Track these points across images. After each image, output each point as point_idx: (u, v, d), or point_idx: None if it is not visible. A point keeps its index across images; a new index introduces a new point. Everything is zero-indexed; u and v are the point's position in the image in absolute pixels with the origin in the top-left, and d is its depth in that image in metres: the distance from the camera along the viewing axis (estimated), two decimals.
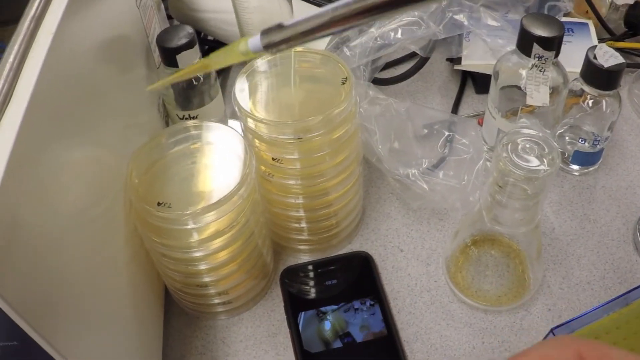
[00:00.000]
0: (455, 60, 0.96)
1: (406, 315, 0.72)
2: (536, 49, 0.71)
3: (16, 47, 0.61)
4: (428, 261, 0.77)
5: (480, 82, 0.96)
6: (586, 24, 0.99)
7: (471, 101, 0.97)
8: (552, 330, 0.62)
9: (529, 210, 0.63)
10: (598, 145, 0.82)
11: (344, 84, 0.65)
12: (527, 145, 0.59)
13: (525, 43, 0.72)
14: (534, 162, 0.58)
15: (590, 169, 0.86)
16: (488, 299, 0.72)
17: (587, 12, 1.01)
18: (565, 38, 0.87)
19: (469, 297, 0.72)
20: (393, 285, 0.75)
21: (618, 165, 0.88)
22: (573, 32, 0.97)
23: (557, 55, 0.73)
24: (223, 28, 0.98)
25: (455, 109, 0.95)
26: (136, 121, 0.77)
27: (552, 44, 0.71)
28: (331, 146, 0.65)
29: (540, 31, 0.71)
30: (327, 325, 0.70)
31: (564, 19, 0.97)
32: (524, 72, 0.75)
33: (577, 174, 0.86)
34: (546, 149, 0.59)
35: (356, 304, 0.71)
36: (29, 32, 0.61)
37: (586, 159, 0.84)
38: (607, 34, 1.02)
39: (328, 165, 0.66)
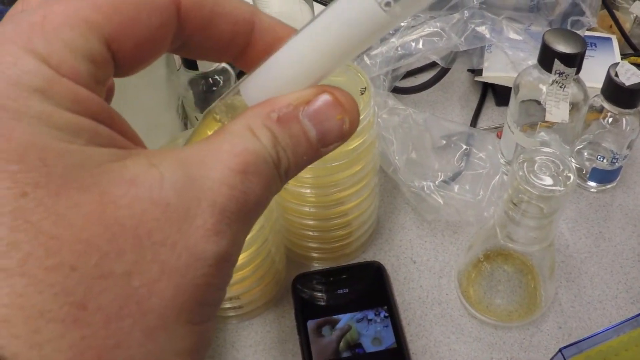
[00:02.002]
0: (476, 72, 0.95)
1: (416, 327, 0.72)
2: (557, 65, 0.71)
3: None
4: (440, 274, 0.77)
5: (500, 94, 0.95)
6: (610, 39, 0.98)
7: (491, 113, 0.97)
8: (560, 350, 0.61)
9: (544, 228, 0.63)
10: (616, 163, 0.82)
11: (362, 94, 0.65)
12: (544, 164, 0.59)
13: (547, 58, 0.72)
14: (550, 181, 0.58)
15: (608, 186, 0.86)
16: (499, 315, 0.72)
17: (610, 26, 1.01)
18: (587, 52, 0.87)
19: (480, 312, 0.72)
20: (404, 296, 0.75)
21: (636, 184, 0.87)
22: (596, 46, 0.96)
23: (578, 72, 0.72)
24: None
25: (474, 121, 0.95)
26: (156, 122, 0.77)
27: (574, 61, 0.71)
28: (347, 156, 0.65)
29: (562, 47, 0.70)
30: (338, 335, 0.70)
31: (587, 33, 0.96)
32: (544, 88, 0.74)
33: (594, 191, 0.86)
34: (562, 168, 0.59)
35: (370, 314, 0.71)
36: None
37: (604, 177, 0.84)
38: (631, 49, 1.01)
39: (343, 175, 0.66)
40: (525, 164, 0.59)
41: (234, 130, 0.26)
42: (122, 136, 0.25)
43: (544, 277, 0.72)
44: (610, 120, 0.79)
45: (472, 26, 0.84)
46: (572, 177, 0.58)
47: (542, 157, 0.60)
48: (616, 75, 0.75)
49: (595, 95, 0.79)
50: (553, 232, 0.65)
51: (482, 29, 0.85)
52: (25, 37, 0.23)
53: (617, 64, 0.75)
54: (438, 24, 0.83)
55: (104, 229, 0.21)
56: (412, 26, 0.84)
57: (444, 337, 0.72)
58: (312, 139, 0.27)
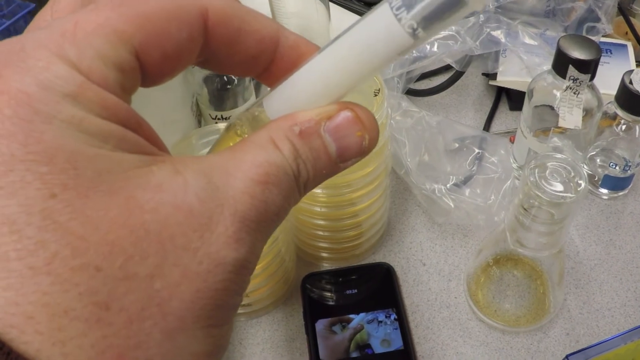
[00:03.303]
0: (490, 76, 0.95)
1: (424, 330, 0.73)
2: (571, 71, 0.71)
3: None
4: (450, 277, 0.77)
5: (514, 98, 0.95)
6: (625, 46, 0.98)
7: (504, 117, 0.97)
8: (567, 357, 0.61)
9: (554, 234, 0.63)
10: (629, 171, 0.82)
11: (376, 95, 0.66)
12: (556, 170, 0.59)
13: (561, 64, 0.72)
14: (561, 187, 0.58)
15: (620, 193, 0.85)
16: (507, 319, 0.72)
17: (626, 33, 1.00)
18: (603, 59, 0.87)
19: (488, 316, 0.72)
20: (413, 298, 0.75)
21: None
22: (611, 53, 0.96)
23: (592, 78, 0.72)
24: None
25: (488, 125, 0.95)
26: (170, 118, 0.78)
27: (588, 67, 0.71)
28: None
29: (576, 53, 0.70)
30: (351, 334, 0.70)
31: (602, 39, 0.96)
32: (558, 93, 0.74)
33: (605, 197, 0.86)
34: (574, 175, 0.59)
35: (380, 316, 0.72)
36: None
37: (616, 184, 0.84)
38: None
39: (355, 176, 0.67)
40: (536, 170, 0.59)
41: (257, 141, 0.27)
42: (148, 142, 0.25)
43: (553, 283, 0.72)
44: (624, 127, 0.79)
45: (488, 30, 0.85)
46: (583, 183, 0.58)
47: (554, 163, 0.60)
48: (630, 82, 0.74)
49: (609, 102, 0.79)
50: (563, 238, 0.65)
51: (498, 33, 0.85)
52: (58, 43, 0.23)
53: (631, 71, 0.75)
54: (453, 27, 0.83)
55: (129, 232, 0.22)
56: None
57: (451, 341, 0.72)
58: (331, 154, 0.28)
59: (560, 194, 0.57)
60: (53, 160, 0.22)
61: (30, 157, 0.21)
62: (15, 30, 0.86)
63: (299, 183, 0.27)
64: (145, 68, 0.26)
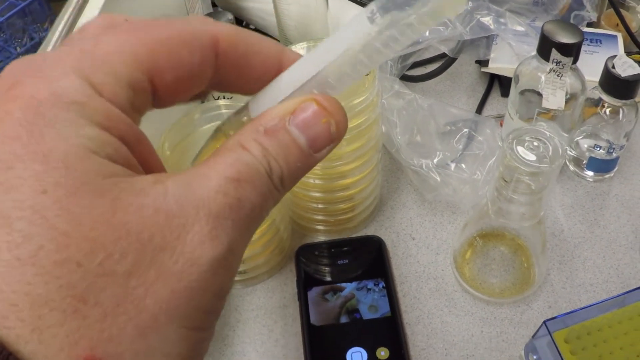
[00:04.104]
0: (483, 63, 0.99)
1: (411, 299, 0.76)
2: (554, 54, 0.74)
3: (65, 17, 0.66)
4: (437, 251, 0.81)
5: (506, 85, 0.99)
6: (615, 36, 1.01)
7: (496, 103, 1.00)
8: (544, 322, 0.64)
9: (533, 205, 0.66)
10: (613, 153, 0.85)
11: (367, 74, 0.69)
12: (534, 143, 0.62)
13: (545, 48, 0.75)
14: (538, 158, 0.61)
15: (605, 176, 0.88)
16: (491, 292, 0.75)
17: (617, 24, 1.03)
18: (592, 48, 0.90)
19: (473, 288, 0.75)
20: (402, 270, 0.79)
21: (633, 175, 0.90)
22: (601, 42, 0.99)
23: (575, 61, 0.75)
24: (263, 17, 1.03)
25: (479, 110, 0.98)
26: None
27: (571, 50, 0.74)
28: (350, 132, 0.68)
29: (559, 37, 0.73)
30: (342, 302, 0.74)
31: (593, 30, 0.99)
32: (543, 77, 0.77)
33: (591, 180, 0.89)
34: (551, 147, 0.62)
35: (369, 284, 0.75)
36: (78, 6, 0.66)
37: (601, 166, 0.87)
38: (636, 47, 1.04)
39: (346, 149, 0.70)
40: (514, 142, 0.62)
41: (229, 146, 0.28)
42: (143, 161, 0.28)
43: (537, 253, 0.75)
44: (608, 111, 0.82)
45: (478, 17, 0.88)
46: (559, 154, 0.61)
47: (532, 135, 0.63)
48: (613, 67, 0.78)
49: (594, 88, 0.82)
50: (542, 210, 0.68)
51: (487, 20, 0.88)
52: (76, 58, 0.26)
53: (614, 56, 0.78)
54: None
55: (111, 230, 0.24)
56: None
57: (437, 310, 0.75)
58: (302, 146, 0.29)
59: (537, 164, 0.61)
60: (48, 159, 0.24)
61: (29, 157, 0.24)
62: (30, 12, 0.89)
63: (273, 179, 0.28)
64: (158, 89, 0.28)
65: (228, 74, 0.31)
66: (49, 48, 0.64)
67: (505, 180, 0.64)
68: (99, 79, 0.26)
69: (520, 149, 0.62)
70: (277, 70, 0.32)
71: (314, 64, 0.30)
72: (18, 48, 0.86)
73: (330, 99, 0.30)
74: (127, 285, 0.24)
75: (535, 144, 0.62)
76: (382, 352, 0.70)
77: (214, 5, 1.08)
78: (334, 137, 0.30)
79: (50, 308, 0.22)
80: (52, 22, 0.89)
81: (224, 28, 0.30)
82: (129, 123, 0.27)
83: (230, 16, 0.82)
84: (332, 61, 0.29)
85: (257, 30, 1.08)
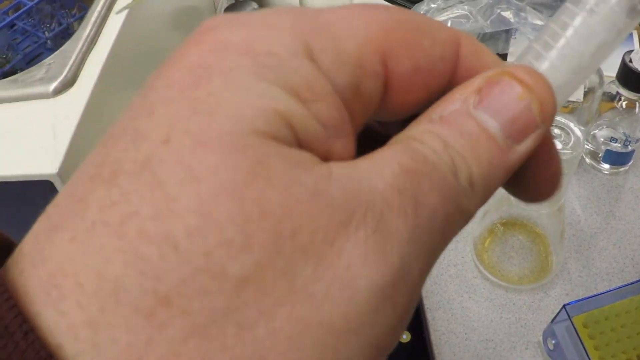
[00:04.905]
0: (502, 56, 1.00)
1: (432, 285, 0.78)
2: None
3: (99, 7, 0.68)
4: (457, 238, 0.82)
5: None
6: (630, 33, 1.02)
7: None
8: (564, 306, 0.66)
9: None
10: (629, 146, 0.86)
11: None
12: (555, 131, 0.64)
13: None
14: (559, 145, 0.63)
15: (621, 169, 0.90)
16: (510, 279, 0.77)
17: None
18: None
19: (493, 275, 0.77)
20: None
21: None
22: None
23: None
24: None
25: None
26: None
27: None
28: None
29: None
30: None
31: None
32: None
33: (607, 172, 0.90)
34: (572, 136, 0.64)
35: None
36: None
37: (617, 159, 0.89)
38: None
39: None
40: None
41: (396, 140, 0.21)
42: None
43: (555, 241, 0.77)
44: (624, 104, 0.83)
45: (498, 11, 0.90)
46: (580, 141, 0.63)
47: (554, 124, 0.65)
48: (630, 61, 0.79)
49: (611, 82, 0.84)
50: (562, 197, 0.70)
51: (507, 14, 0.90)
52: (293, 18, 0.21)
53: (631, 50, 0.80)
54: (466, 7, 0.88)
55: (237, 207, 0.17)
56: (443, 8, 0.89)
57: (457, 296, 0.77)
58: (495, 135, 0.21)
59: (559, 150, 0.62)
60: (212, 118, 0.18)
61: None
62: None
63: (459, 179, 0.20)
64: (392, 78, 0.21)
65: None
66: (86, 31, 0.65)
67: None
68: (319, 45, 0.20)
69: None
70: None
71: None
72: (46, 33, 0.88)
73: (530, 71, 0.22)
74: (235, 299, 0.16)
75: (557, 132, 0.64)
76: (404, 336, 0.72)
77: None
78: (536, 121, 0.21)
79: (118, 300, 0.16)
80: (80, 9, 0.91)
81: (466, 34, 0.23)
82: (336, 105, 0.20)
83: (255, 5, 0.83)
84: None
85: None
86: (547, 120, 0.22)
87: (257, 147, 0.17)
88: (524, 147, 0.21)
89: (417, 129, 0.21)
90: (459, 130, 0.21)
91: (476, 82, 0.22)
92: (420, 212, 0.19)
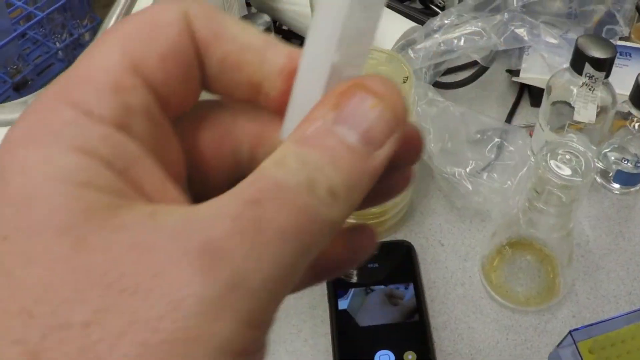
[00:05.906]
0: (514, 72, 1.00)
1: (439, 304, 0.77)
2: (587, 68, 0.75)
3: (113, 19, 0.68)
4: (466, 257, 0.82)
5: (536, 95, 1.00)
6: None
7: (525, 112, 1.01)
8: (570, 332, 0.66)
9: (563, 217, 0.68)
10: None
11: (404, 82, 0.70)
12: (567, 157, 0.64)
13: (578, 62, 0.76)
14: (570, 172, 0.62)
15: (632, 189, 0.89)
16: (517, 300, 0.76)
17: None
18: (622, 62, 0.91)
19: (500, 296, 0.77)
20: (430, 275, 0.80)
21: None
22: (630, 56, 1.00)
23: (607, 76, 0.77)
24: (298, 20, 1.04)
25: (509, 119, 0.99)
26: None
27: (604, 65, 0.75)
28: None
29: (593, 52, 0.75)
30: (367, 304, 0.75)
31: (623, 43, 1.00)
32: (575, 90, 0.79)
33: (617, 192, 0.90)
34: (583, 162, 0.63)
35: (401, 288, 0.77)
36: (126, 5, 0.68)
37: (628, 179, 0.88)
38: None
39: None
40: (549, 155, 0.64)
41: (260, 167, 0.22)
42: (142, 184, 0.22)
43: (563, 264, 0.76)
44: (637, 125, 0.83)
45: (512, 28, 0.89)
46: (591, 168, 0.63)
47: (565, 149, 0.64)
48: None
49: (623, 102, 0.83)
50: (572, 222, 0.69)
51: (521, 31, 0.89)
52: (60, 85, 0.23)
53: None
54: (479, 24, 0.88)
55: (69, 273, 0.19)
56: (456, 24, 0.89)
57: (464, 316, 0.77)
58: (354, 145, 0.22)
59: (569, 177, 0.62)
60: (10, 200, 0.21)
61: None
62: (70, 7, 0.91)
63: (316, 192, 0.21)
64: (149, 78, 0.24)
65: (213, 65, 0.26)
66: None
67: (536, 192, 0.66)
68: (78, 97, 0.22)
69: (553, 162, 0.63)
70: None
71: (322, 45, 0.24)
72: (57, 43, 0.88)
73: (379, 79, 0.23)
74: (86, 338, 0.19)
75: (568, 157, 0.64)
76: (410, 356, 0.71)
77: (248, 5, 1.09)
78: (392, 125, 0.23)
79: None
80: (91, 20, 0.91)
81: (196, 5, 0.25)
82: (116, 142, 0.22)
83: (267, 18, 0.83)
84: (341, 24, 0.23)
85: (291, 31, 1.09)
86: (401, 122, 0.23)
87: (78, 226, 0.20)
88: (384, 151, 0.23)
89: (281, 152, 0.22)
90: (320, 147, 0.22)
91: (332, 98, 0.23)
92: (265, 230, 0.20)
